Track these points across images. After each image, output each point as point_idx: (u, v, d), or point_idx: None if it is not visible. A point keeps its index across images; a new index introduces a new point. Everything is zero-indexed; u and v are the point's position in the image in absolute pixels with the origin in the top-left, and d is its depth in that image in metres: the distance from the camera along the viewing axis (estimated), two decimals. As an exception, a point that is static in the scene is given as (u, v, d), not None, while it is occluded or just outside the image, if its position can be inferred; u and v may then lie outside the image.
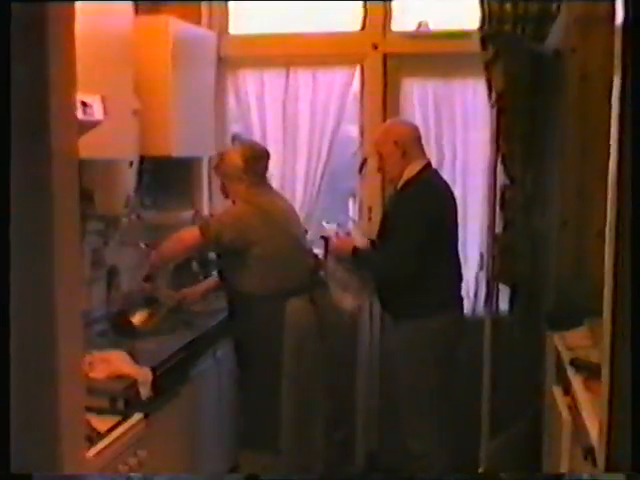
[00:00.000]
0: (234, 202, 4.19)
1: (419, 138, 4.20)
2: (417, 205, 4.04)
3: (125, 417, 3.14)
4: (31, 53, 1.61)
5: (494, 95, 4.19)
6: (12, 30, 1.56)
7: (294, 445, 4.10)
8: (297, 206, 4.86)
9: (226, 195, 4.26)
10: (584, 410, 2.82)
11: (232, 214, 4.09)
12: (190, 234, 4.09)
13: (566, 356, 3.48)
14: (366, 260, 4.17)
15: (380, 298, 4.35)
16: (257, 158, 4.12)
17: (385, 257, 4.09)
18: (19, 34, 1.58)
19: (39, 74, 1.62)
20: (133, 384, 3.27)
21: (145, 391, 3.33)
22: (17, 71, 1.57)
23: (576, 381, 3.14)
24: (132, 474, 3.04)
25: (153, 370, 3.42)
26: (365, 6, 4.92)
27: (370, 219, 4.93)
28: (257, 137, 4.97)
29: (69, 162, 1.75)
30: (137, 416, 3.20)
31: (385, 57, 4.90)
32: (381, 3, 4.88)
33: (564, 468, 3.41)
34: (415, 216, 4.01)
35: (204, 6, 4.97)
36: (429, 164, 4.21)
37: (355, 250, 4.16)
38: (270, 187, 4.29)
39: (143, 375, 3.35)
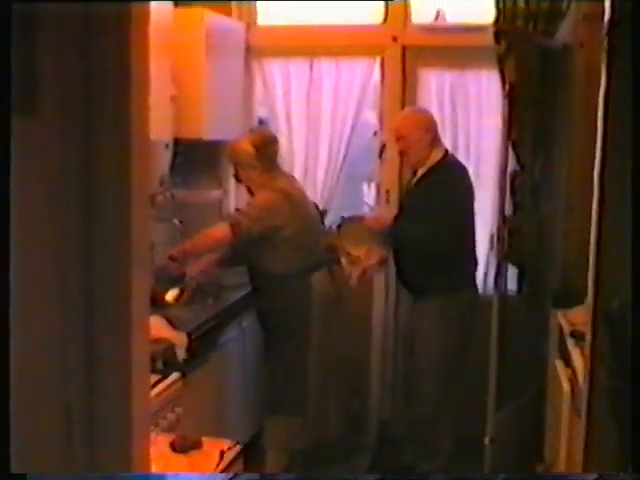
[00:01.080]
0: (249, 189, 4.38)
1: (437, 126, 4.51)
2: (451, 187, 4.39)
3: (164, 376, 3.43)
4: (114, 47, 1.90)
5: (507, 86, 4.40)
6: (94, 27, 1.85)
7: (319, 411, 4.35)
8: (319, 188, 5.18)
9: (239, 181, 4.45)
10: (581, 377, 3.08)
11: (258, 206, 4.23)
12: (221, 232, 4.21)
13: (568, 330, 3.75)
14: (405, 232, 4.43)
15: (401, 275, 4.60)
16: (267, 144, 4.28)
17: (426, 231, 4.34)
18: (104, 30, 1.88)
19: (121, 65, 1.91)
20: (170, 347, 3.57)
21: (181, 353, 3.64)
22: (101, 62, 1.86)
23: (575, 352, 3.40)
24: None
25: (188, 335, 3.72)
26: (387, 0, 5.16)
27: (388, 202, 5.19)
28: (282, 123, 5.26)
29: (145, 145, 2.05)
30: (174, 376, 3.51)
31: (404, 49, 5.14)
32: (402, -1, 5.13)
33: (564, 436, 3.68)
34: (451, 197, 4.36)
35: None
36: (448, 151, 4.51)
37: (393, 224, 4.43)
38: (282, 170, 4.47)
39: (179, 339, 3.66)
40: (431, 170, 4.43)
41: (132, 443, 2.04)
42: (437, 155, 4.46)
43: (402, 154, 4.57)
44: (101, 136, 1.89)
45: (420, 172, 4.47)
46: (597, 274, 2.45)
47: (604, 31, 2.39)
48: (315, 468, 4.66)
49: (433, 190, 4.39)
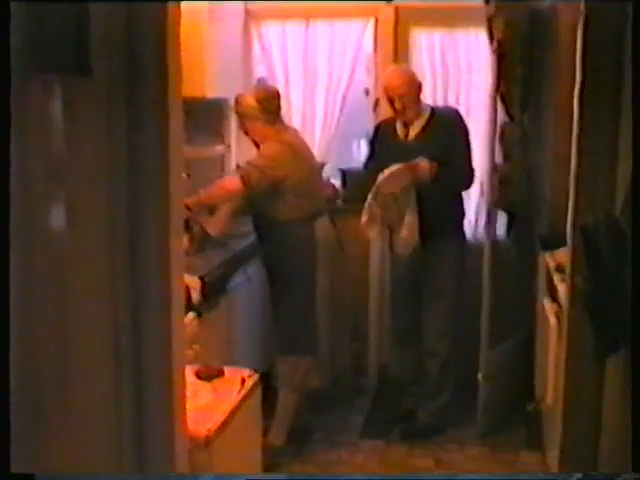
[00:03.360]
0: (254, 141, 4.56)
1: None
2: (463, 132, 4.68)
3: (181, 316, 3.67)
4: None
5: (495, 43, 4.63)
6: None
7: (328, 351, 4.61)
8: (316, 143, 5.44)
9: (246, 132, 4.63)
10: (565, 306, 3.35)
11: (266, 156, 4.42)
12: (232, 183, 4.41)
13: (553, 267, 4.02)
14: (448, 174, 4.58)
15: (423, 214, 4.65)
16: (269, 98, 4.47)
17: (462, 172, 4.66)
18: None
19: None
20: (186, 289, 3.80)
21: (196, 295, 3.89)
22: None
23: (561, 287, 3.65)
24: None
25: (201, 279, 3.97)
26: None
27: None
28: (280, 81, 5.48)
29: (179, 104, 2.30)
30: (190, 316, 3.77)
31: (397, 10, 5.38)
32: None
33: (551, 370, 3.93)
34: (467, 141, 4.67)
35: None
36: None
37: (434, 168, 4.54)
38: (285, 123, 4.66)
39: (193, 282, 3.90)
40: (431, 121, 4.67)
41: (172, 372, 2.30)
42: (427, 108, 4.74)
43: (397, 110, 4.66)
44: (143, 95, 2.14)
45: (418, 125, 4.68)
46: (576, 195, 2.96)
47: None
48: (322, 408, 4.96)
49: (449, 134, 4.64)
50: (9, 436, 1.57)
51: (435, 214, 4.57)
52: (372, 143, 4.96)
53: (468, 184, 4.73)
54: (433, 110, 4.74)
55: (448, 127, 4.66)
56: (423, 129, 4.68)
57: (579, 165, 2.99)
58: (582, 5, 2.97)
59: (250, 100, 4.44)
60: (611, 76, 2.85)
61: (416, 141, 4.68)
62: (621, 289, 2.40)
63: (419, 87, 4.66)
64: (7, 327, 1.58)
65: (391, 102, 4.65)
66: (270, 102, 4.47)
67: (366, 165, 4.95)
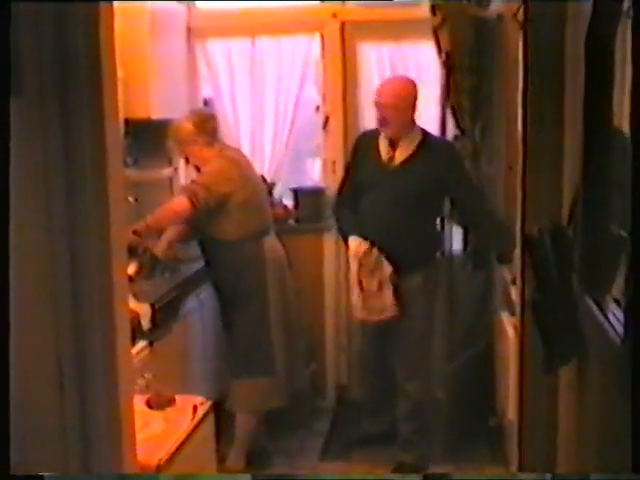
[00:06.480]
0: (196, 166, 4.52)
1: None
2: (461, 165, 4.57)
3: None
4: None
5: (443, 55, 4.61)
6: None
7: (286, 371, 4.50)
8: (266, 162, 5.38)
9: (187, 160, 4.66)
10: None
11: (210, 173, 4.38)
12: (180, 204, 4.32)
13: (510, 279, 3.98)
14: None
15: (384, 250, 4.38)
16: (204, 120, 4.47)
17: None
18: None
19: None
20: (135, 317, 3.70)
21: (146, 323, 3.80)
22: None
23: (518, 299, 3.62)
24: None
25: (151, 306, 3.88)
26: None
27: (334, 172, 5.33)
28: (227, 101, 5.41)
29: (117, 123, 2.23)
30: (141, 345, 3.70)
31: (343, 24, 5.31)
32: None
33: (512, 383, 3.86)
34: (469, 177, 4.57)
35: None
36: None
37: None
38: (225, 143, 4.67)
39: (143, 309, 3.82)
40: (423, 146, 4.39)
41: (118, 401, 2.23)
42: (418, 130, 4.44)
43: (378, 121, 4.37)
44: (77, 116, 2.06)
45: (406, 147, 4.38)
46: (522, 205, 3.01)
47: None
48: (280, 432, 4.85)
49: (444, 167, 4.38)
50: (9, 436, 1.64)
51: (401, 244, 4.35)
52: (350, 161, 4.68)
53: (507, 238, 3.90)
54: (425, 134, 4.45)
55: (443, 157, 4.42)
56: (413, 154, 4.36)
57: (524, 174, 3.02)
58: (520, 12, 2.97)
59: (186, 124, 4.43)
60: (553, 82, 2.85)
61: (403, 167, 4.36)
62: (568, 298, 2.41)
63: (410, 102, 4.34)
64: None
65: (377, 112, 4.37)
66: (206, 124, 4.46)
67: (341, 187, 4.69)
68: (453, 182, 4.38)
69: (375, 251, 4.29)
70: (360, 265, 4.31)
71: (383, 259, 4.28)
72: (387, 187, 4.34)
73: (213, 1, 5.52)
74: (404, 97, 4.33)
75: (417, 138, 4.37)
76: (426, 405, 4.60)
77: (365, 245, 4.31)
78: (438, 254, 4.72)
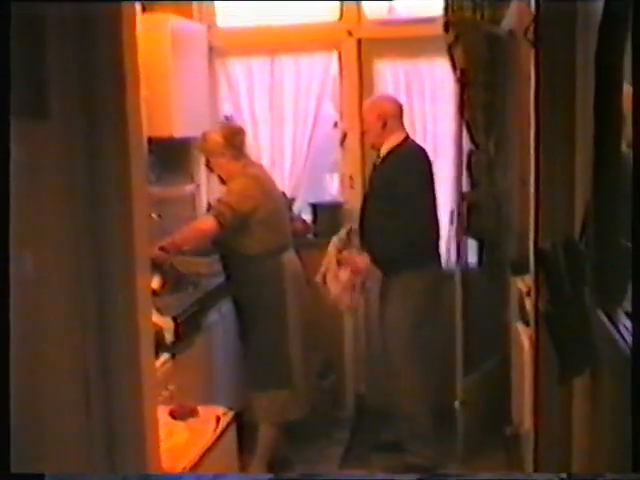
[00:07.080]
0: (220, 177, 4.61)
1: (400, 113, 4.72)
2: (412, 166, 4.65)
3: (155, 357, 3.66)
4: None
5: (457, 72, 4.68)
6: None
7: (305, 383, 4.60)
8: (286, 178, 5.49)
9: (211, 170, 4.71)
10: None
11: (234, 192, 4.46)
12: (208, 224, 4.43)
13: (525, 291, 4.04)
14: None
15: (371, 253, 4.67)
16: (234, 134, 4.56)
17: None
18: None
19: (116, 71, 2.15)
20: (159, 331, 3.80)
21: (169, 336, 3.89)
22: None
23: (532, 310, 3.68)
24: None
25: (174, 319, 3.97)
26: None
27: (352, 187, 5.47)
28: (247, 118, 5.52)
29: (141, 141, 2.30)
30: (164, 357, 3.79)
31: (359, 42, 5.42)
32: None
33: (528, 394, 3.92)
34: (413, 176, 4.61)
35: (194, 2, 5.46)
36: (408, 135, 4.75)
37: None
38: (250, 159, 4.72)
39: (167, 323, 3.91)
40: (391, 152, 4.64)
41: (143, 412, 2.30)
42: (396, 139, 4.65)
43: (360, 139, 4.87)
44: (102, 135, 2.14)
45: (382, 154, 4.68)
46: (536, 220, 3.03)
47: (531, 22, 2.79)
48: (301, 441, 4.92)
49: (396, 170, 4.61)
50: (9, 436, 1.61)
51: (384, 249, 4.63)
52: None
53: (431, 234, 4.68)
54: (403, 142, 4.69)
55: (394, 164, 4.66)
56: (384, 159, 4.69)
57: (537, 189, 3.04)
58: (531, 30, 3.04)
59: (215, 136, 4.51)
60: (564, 98, 2.89)
61: (379, 169, 4.75)
62: (581, 311, 2.45)
63: (380, 116, 4.63)
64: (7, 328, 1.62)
65: None
66: (235, 137, 4.54)
67: None
68: (401, 185, 4.55)
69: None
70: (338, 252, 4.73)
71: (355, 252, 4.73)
72: (368, 187, 4.87)
73: (233, 20, 5.62)
74: (369, 111, 4.73)
75: (393, 144, 4.66)
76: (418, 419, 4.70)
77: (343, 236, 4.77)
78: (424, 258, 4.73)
